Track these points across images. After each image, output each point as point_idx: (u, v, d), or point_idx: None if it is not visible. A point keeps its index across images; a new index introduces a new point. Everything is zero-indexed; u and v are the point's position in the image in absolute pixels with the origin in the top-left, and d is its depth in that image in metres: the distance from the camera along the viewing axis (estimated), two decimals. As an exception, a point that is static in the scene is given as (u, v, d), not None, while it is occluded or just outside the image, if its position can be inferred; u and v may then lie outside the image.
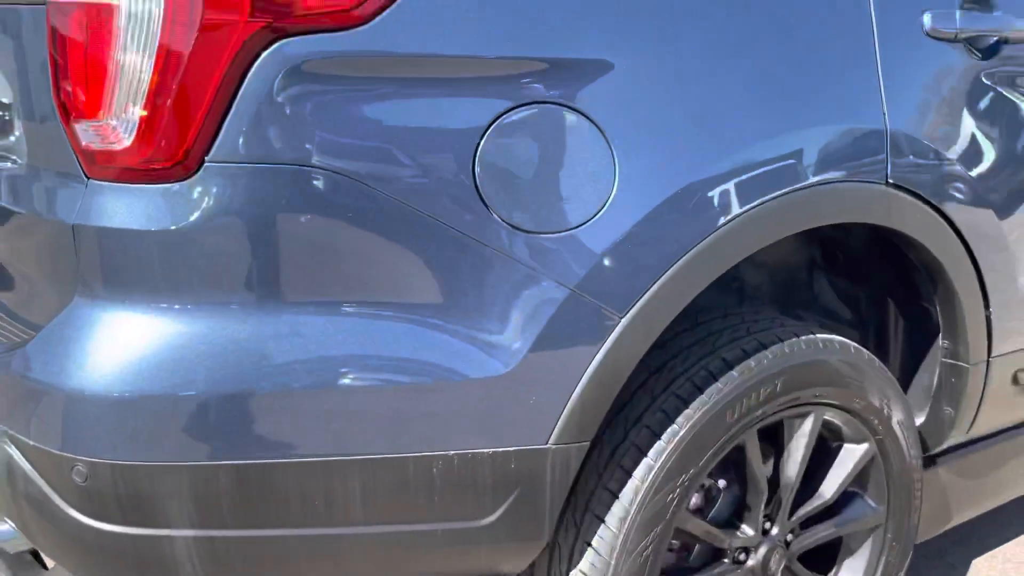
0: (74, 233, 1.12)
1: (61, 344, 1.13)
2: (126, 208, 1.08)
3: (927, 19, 1.47)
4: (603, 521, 1.38)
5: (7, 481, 1.21)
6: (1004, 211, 1.62)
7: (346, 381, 1.14)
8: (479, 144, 1.13)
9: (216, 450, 1.12)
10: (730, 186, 1.28)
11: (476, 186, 1.14)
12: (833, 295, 1.88)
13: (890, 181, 1.44)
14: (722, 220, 1.28)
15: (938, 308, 1.67)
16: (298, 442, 1.14)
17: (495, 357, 1.19)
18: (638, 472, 1.37)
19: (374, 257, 1.14)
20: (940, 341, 1.72)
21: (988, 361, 1.74)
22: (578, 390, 1.23)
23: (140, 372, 1.10)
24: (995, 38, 1.57)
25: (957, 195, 1.55)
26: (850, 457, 1.65)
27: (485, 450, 1.22)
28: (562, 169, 1.19)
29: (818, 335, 1.53)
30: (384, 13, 1.06)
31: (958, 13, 1.49)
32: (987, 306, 1.68)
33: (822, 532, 1.67)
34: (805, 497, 1.64)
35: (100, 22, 1.04)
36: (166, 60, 1.01)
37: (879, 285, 1.79)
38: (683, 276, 1.27)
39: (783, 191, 1.32)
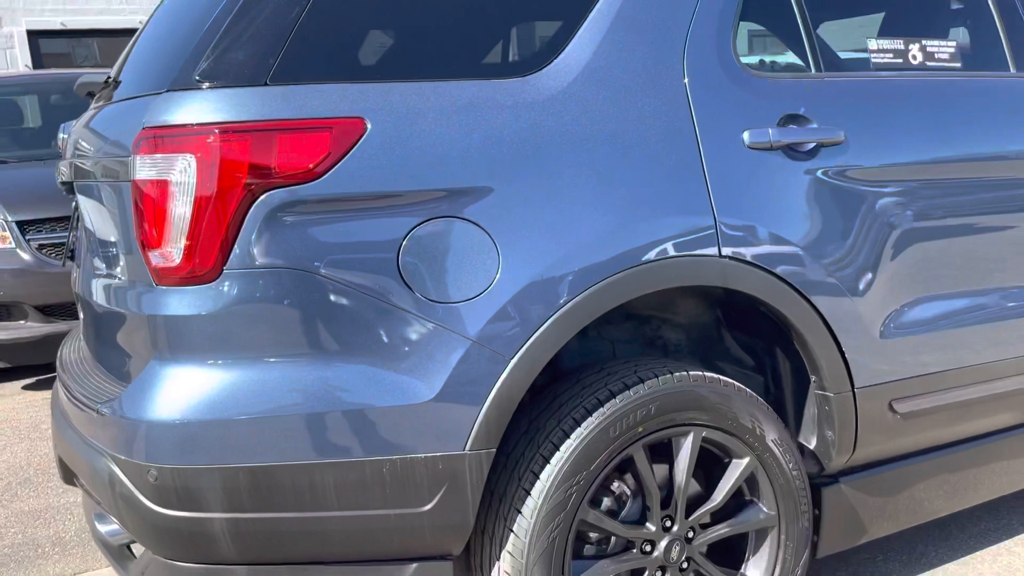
0: (148, 320, 1.76)
1: (142, 390, 1.76)
2: (178, 301, 1.71)
3: (746, 135, 2.01)
4: (520, 512, 1.89)
5: (110, 487, 1.82)
6: (838, 272, 2.10)
7: (319, 407, 1.71)
8: (401, 246, 1.73)
9: (236, 456, 1.70)
10: (585, 265, 1.83)
11: (400, 274, 1.73)
12: (737, 347, 2.37)
13: (723, 253, 1.96)
14: (581, 289, 1.82)
15: (801, 350, 2.14)
16: (289, 450, 1.71)
17: (422, 388, 1.75)
18: (543, 475, 1.89)
19: (339, 325, 1.73)
20: (810, 376, 2.18)
21: (853, 392, 2.18)
22: (483, 410, 1.77)
23: (188, 406, 1.70)
24: (812, 144, 2.08)
25: (790, 261, 2.04)
26: (735, 469, 2.10)
27: (420, 455, 1.76)
28: (461, 258, 1.76)
29: (690, 372, 2.02)
30: (332, 170, 1.68)
31: (771, 130, 2.02)
32: (839, 346, 2.13)
33: (720, 531, 2.12)
34: (702, 502, 2.10)
35: (162, 189, 1.70)
36: (197, 210, 1.65)
37: (767, 337, 2.27)
38: (554, 329, 1.81)
39: (627, 267, 1.86)
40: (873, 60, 2.27)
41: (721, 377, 2.06)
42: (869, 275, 2.16)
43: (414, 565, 1.86)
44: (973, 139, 2.31)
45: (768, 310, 2.08)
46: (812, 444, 2.27)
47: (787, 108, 2.08)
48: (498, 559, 1.93)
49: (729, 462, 2.12)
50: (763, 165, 2.03)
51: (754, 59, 2.24)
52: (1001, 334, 2.38)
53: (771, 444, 2.11)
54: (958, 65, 2.38)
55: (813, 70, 2.19)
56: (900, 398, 2.27)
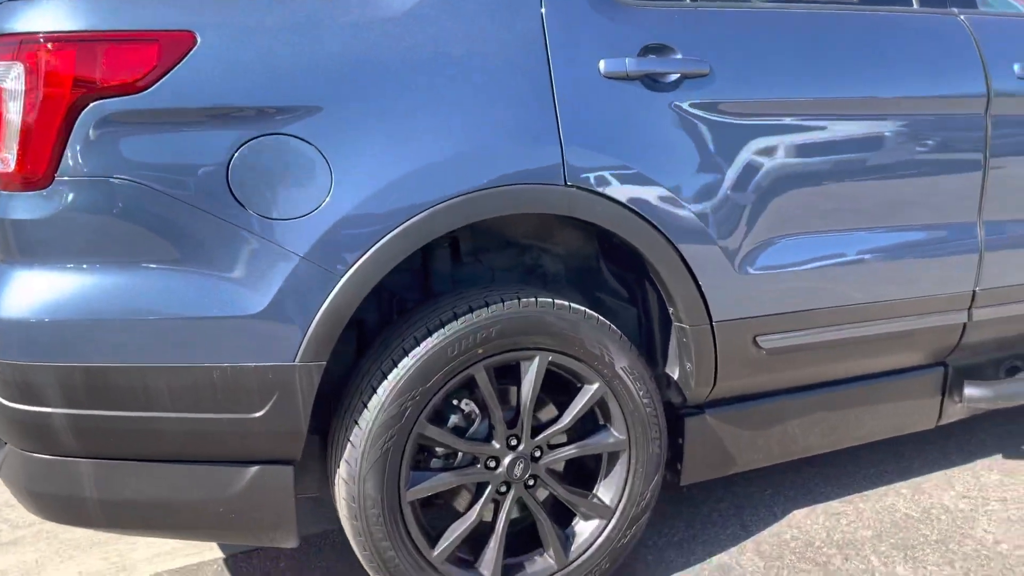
0: (-3, 223, 1.84)
1: (-12, 291, 1.85)
2: (17, 206, 1.78)
3: (602, 65, 2.00)
4: (357, 424, 1.97)
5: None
6: (695, 206, 2.11)
7: (151, 314, 1.79)
8: (231, 161, 1.77)
9: (73, 356, 1.79)
10: (421, 187, 1.86)
11: (231, 189, 1.78)
12: (613, 279, 2.40)
13: (568, 183, 1.98)
14: (414, 211, 1.86)
15: (657, 281, 2.17)
16: (123, 352, 1.80)
17: (252, 300, 1.82)
18: (380, 389, 1.96)
19: (170, 236, 1.79)
20: (668, 308, 2.21)
21: (711, 325, 2.21)
22: (312, 325, 1.84)
23: (28, 306, 1.79)
24: (675, 75, 2.07)
25: (644, 193, 2.05)
26: (584, 394, 2.16)
27: (250, 364, 1.84)
28: (292, 176, 1.81)
29: (538, 298, 2.06)
30: (159, 82, 1.73)
31: (628, 60, 2.01)
32: (695, 279, 2.15)
33: (568, 451, 2.18)
34: (552, 424, 2.17)
35: (-2, 99, 1.77)
36: (27, 118, 1.71)
37: (637, 269, 2.29)
38: (386, 249, 1.86)
39: (465, 192, 1.89)
40: (757, -9, 2.25)
41: (570, 304, 2.10)
42: (730, 211, 2.16)
43: (255, 468, 1.96)
44: (855, 77, 2.27)
45: (621, 242, 2.10)
46: (675, 375, 2.31)
47: (651, 37, 2.07)
48: (337, 467, 2.03)
49: (581, 387, 2.18)
50: (620, 95, 2.03)
51: None
52: (874, 277, 2.38)
53: (620, 371, 2.15)
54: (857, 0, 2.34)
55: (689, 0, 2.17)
56: (764, 334, 2.30)
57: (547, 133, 1.97)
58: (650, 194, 2.07)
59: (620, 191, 2.04)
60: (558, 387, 2.21)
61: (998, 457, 3.02)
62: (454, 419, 2.13)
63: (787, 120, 2.20)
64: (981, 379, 2.74)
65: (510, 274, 2.40)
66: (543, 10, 1.99)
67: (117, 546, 2.68)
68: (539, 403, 2.24)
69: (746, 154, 2.16)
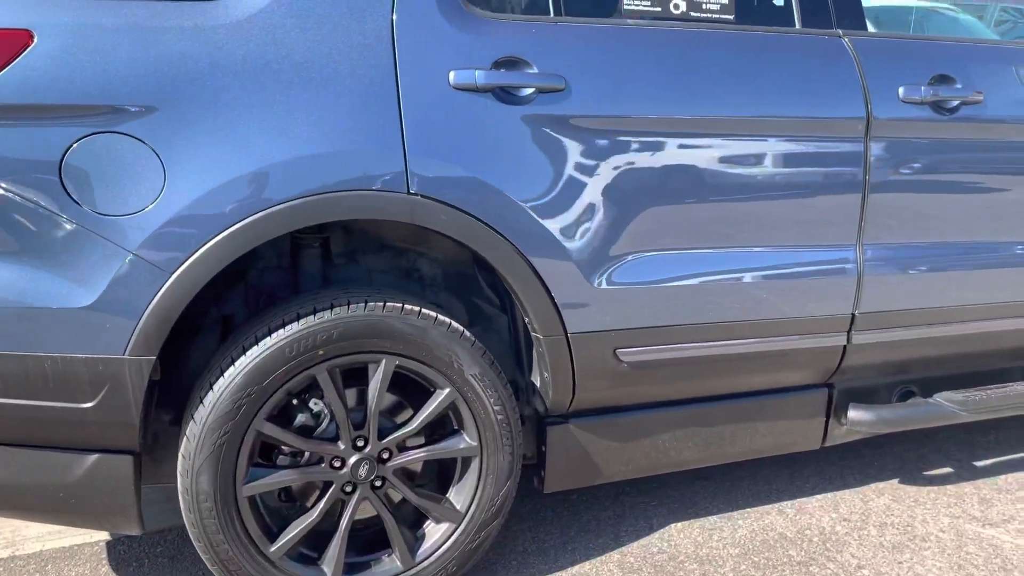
0: None
1: None
2: None
3: (452, 76, 2.02)
4: (193, 419, 2.01)
5: None
6: (548, 218, 2.12)
7: (-18, 302, 1.85)
8: (64, 157, 1.82)
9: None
10: (254, 190, 1.90)
11: (63, 184, 1.82)
12: (485, 285, 2.42)
13: (412, 191, 2.00)
14: (247, 212, 1.89)
15: (511, 291, 2.19)
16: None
17: (83, 294, 1.86)
18: (216, 386, 2.00)
19: (3, 227, 1.84)
20: (524, 317, 2.23)
21: (566, 336, 2.22)
22: (142, 320, 1.88)
23: None
24: (530, 89, 2.08)
25: (493, 203, 2.07)
26: (435, 399, 2.18)
27: (80, 355, 1.89)
28: (125, 174, 1.85)
29: (386, 303, 2.09)
30: (-6, 77, 1.78)
31: (479, 71, 2.03)
32: (548, 290, 2.17)
33: (417, 455, 2.21)
34: (400, 426, 2.19)
35: None
36: None
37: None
38: (217, 249, 1.89)
39: (300, 196, 1.92)
40: (625, 6, 2.24)
41: (420, 309, 2.13)
42: (584, 224, 2.18)
43: (95, 456, 2.01)
44: (726, 96, 2.26)
45: (471, 251, 2.13)
46: (537, 383, 2.33)
47: (505, 50, 2.08)
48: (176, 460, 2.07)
49: (434, 391, 2.21)
50: (470, 107, 2.05)
51: None
52: (744, 295, 2.38)
53: (471, 378, 2.17)
54: (730, 17, 2.33)
55: (552, 12, 2.18)
56: (625, 347, 2.31)
57: (391, 141, 1.99)
58: (498, 204, 2.09)
59: (466, 200, 2.06)
60: (421, 391, 2.24)
61: (894, 481, 3.00)
62: (302, 417, 2.17)
63: (648, 137, 2.21)
64: (871, 402, 2.73)
65: (388, 276, 2.43)
66: (394, 17, 2.01)
67: (12, 523, 2.76)
68: (398, 407, 2.28)
69: (602, 169, 2.17)
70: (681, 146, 2.24)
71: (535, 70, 2.10)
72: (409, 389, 2.25)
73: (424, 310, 2.13)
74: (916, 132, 2.45)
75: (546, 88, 2.10)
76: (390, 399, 2.26)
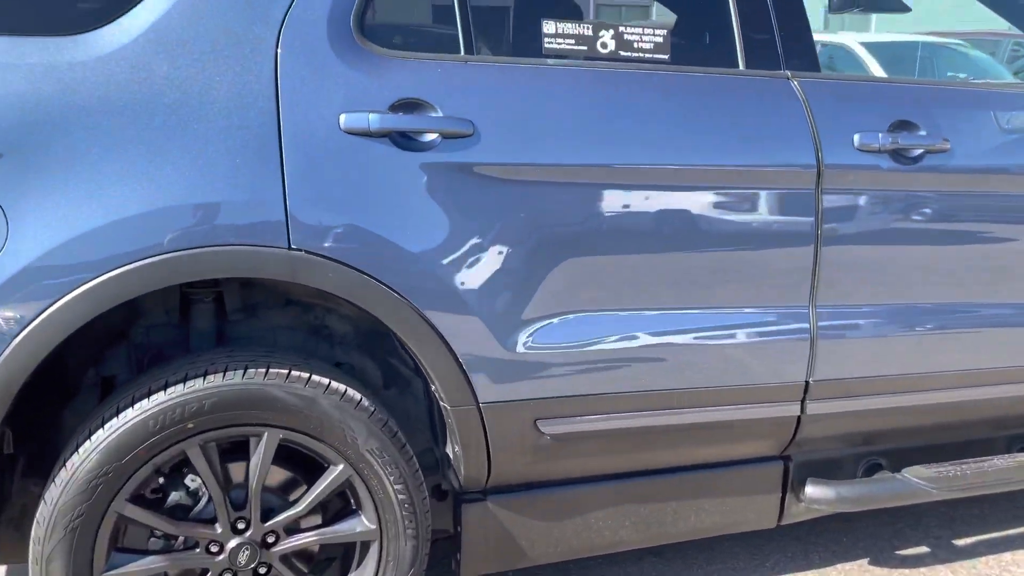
0: None
1: None
2: None
3: (343, 119, 1.83)
4: (44, 501, 1.79)
5: None
6: (454, 276, 1.91)
7: None
8: None
9: None
10: (112, 244, 1.70)
11: None
12: (400, 345, 2.19)
13: (293, 246, 1.80)
14: (101, 270, 1.69)
15: (414, 357, 1.97)
16: None
17: None
18: (70, 463, 1.78)
19: None
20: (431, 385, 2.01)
21: (478, 407, 2.00)
22: None
23: None
24: (433, 135, 1.88)
25: (389, 260, 1.86)
26: (327, 477, 1.96)
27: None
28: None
29: (270, 369, 1.87)
30: None
31: (373, 115, 1.83)
32: (454, 355, 1.95)
33: (307, 539, 1.98)
34: (289, 507, 1.97)
35: None
36: None
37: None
38: (66, 311, 1.69)
39: (164, 252, 1.72)
40: (546, 45, 2.04)
41: (310, 376, 1.91)
42: (496, 282, 1.96)
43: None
44: (657, 143, 2.05)
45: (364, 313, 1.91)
46: (450, 457, 2.11)
47: (405, 92, 1.88)
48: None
49: (327, 468, 1.99)
50: (362, 153, 1.85)
51: (395, 34, 2.04)
52: (680, 361, 2.14)
53: (367, 454, 1.94)
54: (665, 57, 2.12)
55: (463, 51, 1.99)
56: (548, 418, 2.08)
57: (270, 190, 1.79)
58: (395, 260, 1.88)
59: (356, 256, 1.85)
60: (319, 466, 2.01)
61: (863, 561, 2.73)
62: (177, 496, 1.95)
63: (568, 187, 1.99)
64: (833, 476, 2.48)
65: (294, 334, 2.22)
66: (278, 52, 1.83)
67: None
68: (292, 484, 2.06)
69: (515, 222, 1.95)
70: (606, 197, 2.02)
71: (439, 114, 1.89)
72: (307, 464, 2.03)
73: (315, 377, 1.92)
74: (874, 183, 2.22)
75: (451, 133, 1.89)
76: (283, 475, 2.04)
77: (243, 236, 1.77)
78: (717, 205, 2.12)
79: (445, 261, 1.90)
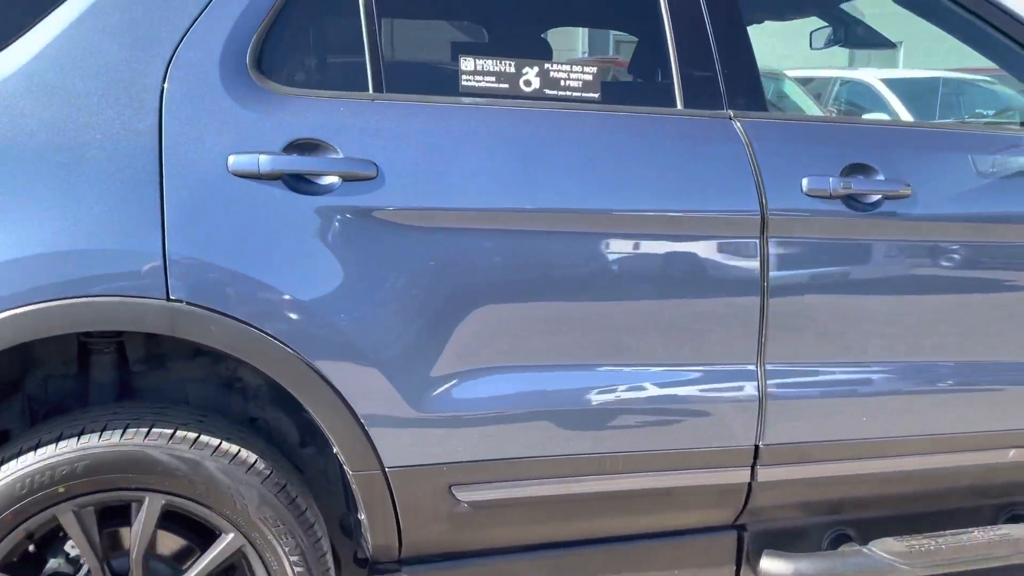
0: None
1: None
2: None
3: (232, 160, 1.71)
4: (-100, 570, 1.67)
5: None
6: (354, 331, 1.77)
7: None
8: None
9: None
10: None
11: None
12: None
13: (172, 296, 1.67)
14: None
15: (312, 417, 1.82)
16: None
17: None
18: (-79, 531, 1.66)
19: None
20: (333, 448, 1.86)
21: (383, 471, 1.84)
22: None
23: None
24: (332, 178, 1.76)
25: (280, 313, 1.73)
26: (217, 546, 1.81)
27: None
28: None
29: (155, 429, 1.74)
30: None
31: (263, 156, 1.71)
32: (356, 416, 1.80)
33: (198, 615, 1.83)
34: (177, 577, 1.82)
35: None
36: None
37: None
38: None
39: (25, 303, 1.60)
40: (463, 83, 1.92)
41: (197, 437, 1.77)
42: (402, 336, 1.81)
43: None
44: (579, 186, 1.90)
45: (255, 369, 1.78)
46: (359, 525, 1.95)
47: (302, 132, 1.76)
48: None
49: (219, 536, 1.84)
50: (252, 197, 1.72)
51: (299, 71, 1.92)
52: (609, 423, 1.97)
53: (259, 522, 1.79)
54: (594, 96, 1.99)
55: (371, 88, 1.86)
56: (464, 484, 1.92)
57: (148, 237, 1.67)
58: (286, 311, 1.74)
59: (242, 307, 1.71)
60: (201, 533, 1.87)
61: (834, 639, 2.52)
62: (55, 564, 1.81)
63: (481, 233, 1.85)
64: (792, 548, 2.28)
65: (204, 387, 2.09)
66: (164, 89, 1.72)
67: None
68: (187, 552, 1.91)
69: (423, 270, 1.81)
70: (525, 244, 1.88)
71: (340, 155, 1.77)
72: (205, 531, 1.88)
73: (203, 437, 1.78)
74: (825, 231, 2.04)
75: (352, 176, 1.77)
76: (177, 542, 1.89)
77: (118, 286, 1.65)
78: (651, 253, 1.96)
79: (343, 313, 1.76)
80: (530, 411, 1.91)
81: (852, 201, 2.06)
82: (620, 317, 1.95)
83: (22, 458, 1.68)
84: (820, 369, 2.11)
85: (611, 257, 1.93)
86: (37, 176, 1.63)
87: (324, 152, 1.76)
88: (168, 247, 1.67)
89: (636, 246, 1.95)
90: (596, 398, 1.95)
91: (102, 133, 1.66)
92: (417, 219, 1.81)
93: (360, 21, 1.84)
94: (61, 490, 1.69)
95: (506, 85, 1.92)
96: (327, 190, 1.75)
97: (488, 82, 1.91)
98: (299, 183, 1.74)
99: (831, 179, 2.03)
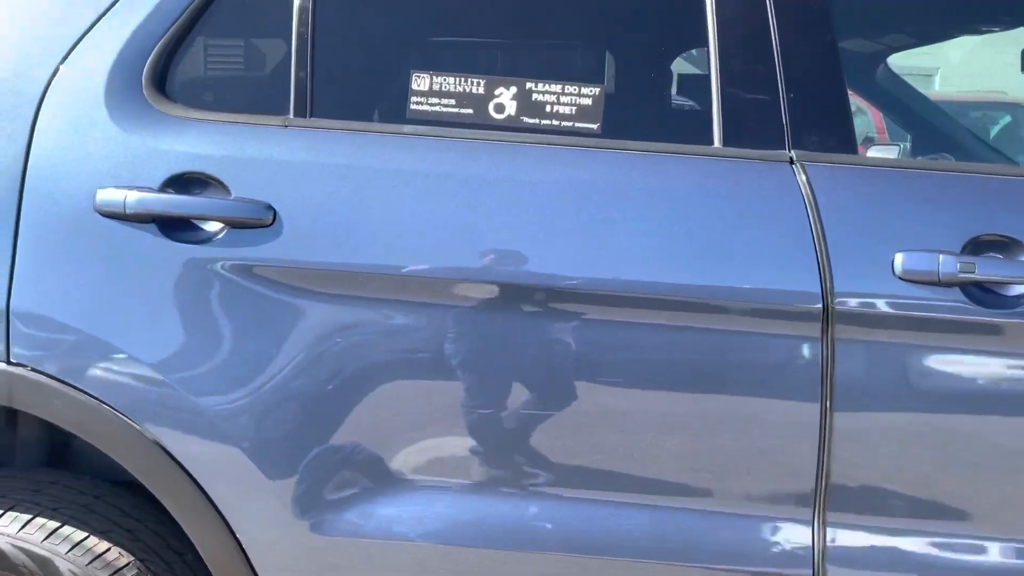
0: None
1: None
2: None
3: (100, 196, 1.37)
4: None
5: None
6: (229, 408, 1.36)
7: None
8: None
9: None
10: None
11: None
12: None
13: (12, 360, 1.37)
14: None
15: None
16: None
17: None
18: None
19: None
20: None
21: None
22: None
23: None
24: (215, 224, 1.37)
25: (136, 381, 1.37)
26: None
27: None
28: None
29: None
30: None
31: (131, 195, 1.36)
32: (232, 532, 1.40)
33: None
34: None
35: None
36: None
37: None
38: None
39: None
40: (413, 107, 1.46)
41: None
42: (296, 435, 1.38)
43: None
44: (548, 249, 1.36)
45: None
46: None
47: (188, 164, 1.39)
48: None
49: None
50: (119, 242, 1.38)
51: (208, 91, 1.55)
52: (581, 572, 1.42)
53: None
54: (593, 127, 1.44)
55: (292, 111, 1.46)
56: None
57: (-10, 285, 1.40)
58: (147, 386, 1.38)
59: (93, 379, 1.38)
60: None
61: None
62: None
63: (401, 306, 1.40)
64: None
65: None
66: (39, 112, 1.43)
67: None
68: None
69: (319, 351, 1.39)
70: (466, 324, 1.40)
71: (230, 196, 1.41)
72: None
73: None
74: (932, 334, 1.37)
75: (240, 223, 1.39)
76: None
77: (-52, 341, 1.39)
78: (652, 346, 1.39)
79: (213, 396, 1.38)
80: (464, 552, 1.42)
81: (979, 291, 1.37)
82: (602, 430, 1.40)
83: None
84: (909, 529, 1.42)
85: (588, 344, 1.39)
86: None
87: (210, 191, 1.40)
88: (13, 299, 1.38)
89: (632, 336, 1.39)
90: (563, 533, 1.41)
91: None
92: (316, 282, 1.39)
93: (291, 28, 1.47)
94: None
95: (470, 110, 1.45)
96: (207, 239, 1.39)
97: (445, 105, 1.45)
98: (175, 228, 1.40)
99: (941, 257, 1.35)
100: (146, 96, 1.44)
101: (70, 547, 1.45)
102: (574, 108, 1.45)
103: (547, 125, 1.45)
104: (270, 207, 1.38)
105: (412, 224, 1.39)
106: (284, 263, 1.38)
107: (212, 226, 1.39)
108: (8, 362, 1.38)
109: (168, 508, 1.41)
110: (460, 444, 1.40)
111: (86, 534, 1.47)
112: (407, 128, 1.44)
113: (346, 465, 1.40)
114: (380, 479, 1.41)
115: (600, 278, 1.37)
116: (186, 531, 1.41)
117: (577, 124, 1.45)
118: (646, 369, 1.40)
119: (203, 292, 1.38)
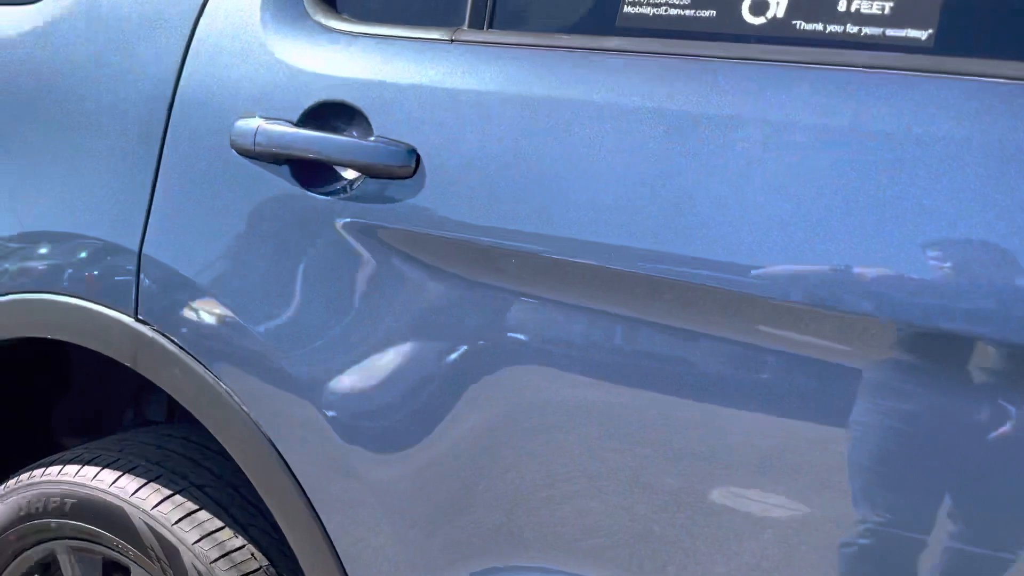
0: None
1: None
2: None
3: (234, 128, 1.08)
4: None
5: None
6: (355, 411, 1.01)
7: None
8: None
9: None
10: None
11: None
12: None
13: (140, 317, 1.15)
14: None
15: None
16: None
17: None
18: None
19: None
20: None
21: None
22: None
23: None
24: (352, 174, 1.01)
25: (238, 356, 1.08)
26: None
27: None
28: None
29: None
30: None
31: (262, 127, 1.04)
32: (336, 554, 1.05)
33: None
34: None
35: None
36: None
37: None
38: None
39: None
40: (624, 11, 0.93)
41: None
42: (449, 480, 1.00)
43: None
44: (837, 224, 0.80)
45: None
46: None
47: (331, 91, 1.03)
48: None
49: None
50: (249, 186, 1.07)
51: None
52: None
53: None
54: (920, 37, 0.81)
55: (467, 23, 1.01)
56: None
57: (126, 225, 1.17)
58: (265, 375, 1.09)
59: (214, 351, 1.11)
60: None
61: None
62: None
63: (569, 305, 0.92)
64: None
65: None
66: (198, 22, 1.17)
67: None
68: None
69: (470, 348, 0.97)
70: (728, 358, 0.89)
71: (371, 134, 1.04)
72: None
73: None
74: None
75: (375, 170, 1.02)
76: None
77: (81, 287, 1.21)
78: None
79: (341, 412, 1.04)
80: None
81: None
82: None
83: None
84: None
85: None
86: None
87: (353, 127, 1.06)
88: (146, 245, 1.18)
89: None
90: None
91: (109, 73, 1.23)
92: (464, 263, 0.98)
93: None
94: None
95: (710, 12, 0.93)
96: (340, 189, 1.06)
97: (675, 6, 0.94)
98: (308, 172, 1.08)
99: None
100: (306, 5, 1.14)
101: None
102: (888, 4, 0.86)
103: (838, 34, 0.87)
104: (413, 151, 1.01)
105: (611, 183, 0.92)
106: (412, 229, 1.00)
107: (349, 174, 1.06)
108: (136, 319, 1.20)
109: (276, 517, 1.14)
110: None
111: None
112: (613, 42, 0.96)
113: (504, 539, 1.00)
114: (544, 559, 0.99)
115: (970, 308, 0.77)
116: (292, 545, 1.13)
117: (893, 32, 0.86)
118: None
119: (340, 266, 1.05)
